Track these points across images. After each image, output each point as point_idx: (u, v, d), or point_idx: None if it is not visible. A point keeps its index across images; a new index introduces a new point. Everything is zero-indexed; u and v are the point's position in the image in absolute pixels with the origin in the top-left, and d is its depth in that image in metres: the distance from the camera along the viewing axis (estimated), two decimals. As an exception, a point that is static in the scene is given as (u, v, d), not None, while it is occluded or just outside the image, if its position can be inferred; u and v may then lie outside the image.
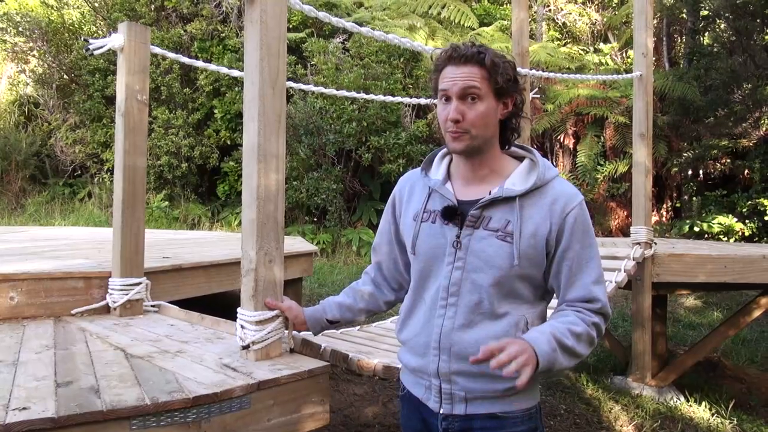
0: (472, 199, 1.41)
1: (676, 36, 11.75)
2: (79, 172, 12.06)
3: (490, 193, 1.39)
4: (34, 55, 12.25)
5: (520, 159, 1.48)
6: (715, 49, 9.95)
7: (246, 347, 1.97)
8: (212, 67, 3.73)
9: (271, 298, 1.96)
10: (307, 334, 2.39)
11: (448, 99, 1.38)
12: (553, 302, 1.50)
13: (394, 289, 1.71)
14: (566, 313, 1.39)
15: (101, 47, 2.76)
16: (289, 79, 7.21)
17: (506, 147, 1.47)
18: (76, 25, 12.34)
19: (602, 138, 10.06)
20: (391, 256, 1.66)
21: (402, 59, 9.85)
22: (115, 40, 2.77)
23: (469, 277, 1.37)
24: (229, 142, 10.78)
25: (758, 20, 8.71)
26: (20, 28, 11.75)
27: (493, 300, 1.36)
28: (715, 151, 9.16)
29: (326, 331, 2.78)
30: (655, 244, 4.42)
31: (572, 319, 1.36)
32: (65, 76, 12.16)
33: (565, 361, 1.32)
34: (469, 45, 1.38)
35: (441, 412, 1.41)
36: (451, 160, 1.52)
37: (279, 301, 1.98)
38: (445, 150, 1.55)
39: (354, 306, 1.73)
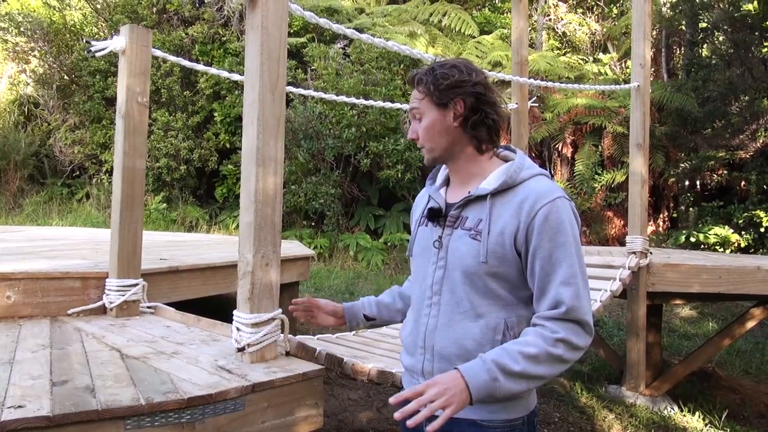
0: (456, 201, 1.47)
1: (674, 47, 11.82)
2: (78, 172, 12.06)
3: (468, 194, 1.43)
4: (35, 56, 12.27)
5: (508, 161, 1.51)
6: (714, 61, 10.01)
7: (241, 349, 1.98)
8: (213, 70, 3.74)
9: (296, 301, 1.85)
10: (302, 337, 2.40)
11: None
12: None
13: None
14: (527, 331, 1.34)
15: (103, 49, 2.78)
16: (289, 83, 7.22)
17: (482, 148, 1.46)
18: (77, 27, 12.37)
19: (600, 147, 10.10)
20: None
21: (402, 66, 9.89)
22: (117, 43, 2.79)
23: (450, 276, 1.41)
24: (228, 146, 10.80)
25: (756, 33, 8.77)
26: (22, 28, 11.77)
27: (471, 298, 1.38)
28: (712, 163, 9.20)
29: (321, 336, 2.80)
30: (651, 253, 4.44)
31: (529, 339, 1.30)
32: (66, 77, 12.17)
33: (518, 386, 1.28)
34: (414, 71, 1.49)
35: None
36: None
37: (276, 305, 2.00)
38: None
39: (392, 306, 1.78)
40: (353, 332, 2.98)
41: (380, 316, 1.79)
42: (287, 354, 2.09)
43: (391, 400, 1.25)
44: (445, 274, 1.42)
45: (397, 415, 1.21)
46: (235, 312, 2.01)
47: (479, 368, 1.26)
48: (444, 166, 1.59)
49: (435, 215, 1.47)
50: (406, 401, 1.23)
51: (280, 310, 2.00)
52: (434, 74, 1.42)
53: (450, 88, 1.40)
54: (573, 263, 1.33)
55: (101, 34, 12.16)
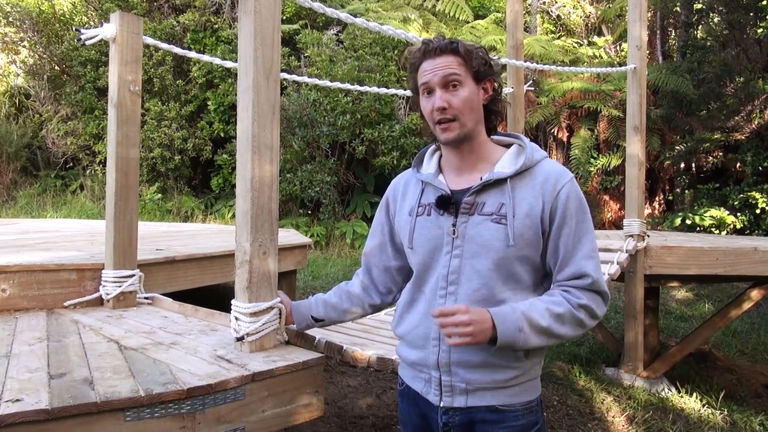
0: (464, 187, 1.43)
1: (669, 29, 11.75)
2: (71, 164, 11.97)
3: (481, 179, 1.40)
4: (24, 46, 12.11)
5: (508, 146, 1.50)
6: (709, 43, 9.96)
7: (240, 339, 1.97)
8: (205, 58, 3.70)
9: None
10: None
11: (430, 91, 1.41)
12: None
13: (382, 293, 1.73)
14: (552, 292, 1.39)
15: (93, 37, 2.73)
16: (282, 70, 7.14)
17: (492, 133, 1.49)
18: (67, 16, 12.20)
19: (596, 131, 10.07)
20: (381, 258, 1.67)
21: (396, 51, 9.82)
22: (107, 30, 2.75)
23: (468, 264, 1.38)
24: (222, 135, 10.73)
25: (751, 14, 8.72)
26: (10, 18, 11.61)
27: (493, 285, 1.37)
28: (708, 145, 9.18)
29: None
30: (648, 236, 4.44)
31: (555, 299, 1.36)
32: (56, 67, 12.04)
33: (540, 341, 1.33)
34: (440, 38, 1.43)
35: (441, 405, 1.41)
36: (441, 155, 1.54)
37: (275, 294, 1.99)
38: (434, 146, 1.58)
39: (339, 306, 1.76)
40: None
41: (328, 317, 1.80)
42: (287, 343, 2.08)
43: (433, 312, 1.32)
44: (463, 262, 1.39)
45: (438, 321, 1.29)
46: (233, 301, 2.00)
47: (509, 315, 1.30)
48: (429, 152, 1.57)
49: (446, 203, 1.42)
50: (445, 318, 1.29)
51: (279, 299, 1.99)
52: (473, 48, 1.42)
53: (489, 66, 1.43)
54: (592, 238, 1.41)
55: (91, 23, 12.01)
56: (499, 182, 1.39)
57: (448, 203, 1.42)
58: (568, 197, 1.37)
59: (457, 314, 1.26)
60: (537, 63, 7.89)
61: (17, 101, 12.49)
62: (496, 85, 1.45)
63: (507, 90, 4.93)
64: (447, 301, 1.40)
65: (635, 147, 4.48)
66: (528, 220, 1.36)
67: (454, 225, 1.40)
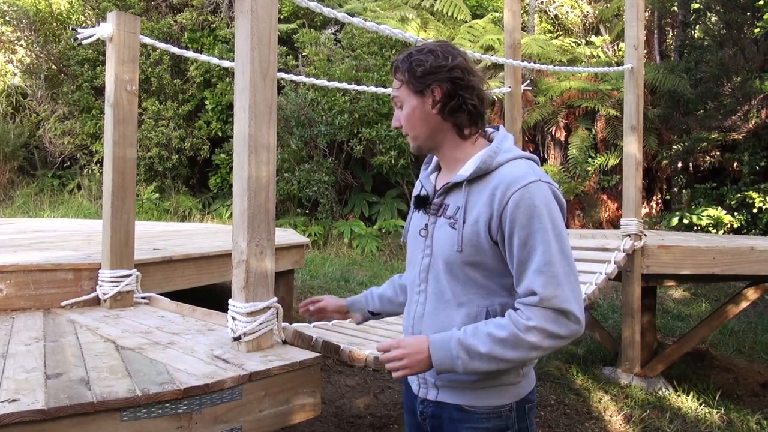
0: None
1: (667, 29, 11.77)
2: (69, 163, 11.95)
3: (447, 182, 1.43)
4: (21, 45, 12.08)
5: None
6: (706, 42, 9.99)
7: (237, 339, 1.97)
8: (203, 57, 3.71)
9: (303, 304, 1.84)
10: (299, 325, 2.39)
11: None
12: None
13: None
14: (508, 313, 1.32)
15: (90, 36, 2.73)
16: (280, 70, 7.15)
17: (464, 134, 1.42)
18: (64, 15, 12.18)
19: (593, 130, 10.09)
20: None
21: (394, 51, 9.81)
22: (104, 30, 2.75)
23: (434, 265, 1.42)
24: (220, 134, 10.72)
25: (748, 13, 8.74)
26: (7, 17, 11.59)
27: (452, 288, 1.38)
28: (705, 144, 9.20)
29: (317, 323, 2.79)
30: (645, 236, 4.44)
31: (501, 323, 1.30)
32: (53, 67, 12.01)
33: (486, 366, 1.29)
34: (395, 57, 1.46)
35: (419, 395, 1.49)
36: None
37: (271, 293, 1.98)
38: None
39: (395, 299, 1.77)
40: (349, 319, 2.97)
41: (384, 310, 1.79)
42: (284, 342, 2.09)
43: (377, 347, 1.40)
44: (431, 262, 1.42)
45: (381, 356, 1.38)
46: (230, 301, 2.00)
47: (445, 343, 1.32)
48: None
49: (422, 203, 1.46)
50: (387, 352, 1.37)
51: (276, 299, 1.99)
52: (410, 61, 1.39)
53: (426, 75, 1.37)
54: (548, 250, 1.27)
55: (88, 22, 11.98)
56: (458, 185, 1.39)
57: (423, 203, 1.46)
58: (517, 206, 1.28)
59: (391, 350, 1.34)
60: (535, 62, 7.90)
61: (14, 100, 12.45)
62: (445, 89, 1.36)
63: (504, 89, 4.94)
64: (420, 297, 1.45)
65: (632, 147, 4.49)
66: (475, 227, 1.32)
67: (426, 225, 1.45)
